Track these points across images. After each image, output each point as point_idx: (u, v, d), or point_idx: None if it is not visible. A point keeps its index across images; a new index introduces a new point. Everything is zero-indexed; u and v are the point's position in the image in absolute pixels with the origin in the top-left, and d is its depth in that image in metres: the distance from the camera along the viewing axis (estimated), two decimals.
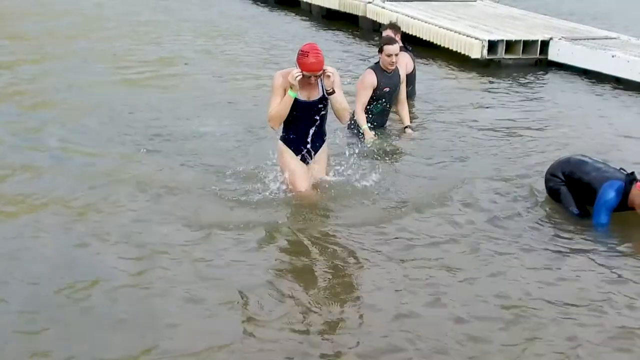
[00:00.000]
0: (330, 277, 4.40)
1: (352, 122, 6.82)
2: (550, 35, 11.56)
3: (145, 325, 3.77)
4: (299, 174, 5.48)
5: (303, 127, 5.45)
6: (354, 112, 6.76)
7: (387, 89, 7.02)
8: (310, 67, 5.14)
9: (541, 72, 10.98)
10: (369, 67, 7.23)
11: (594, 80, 10.39)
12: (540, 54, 11.43)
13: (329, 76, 5.21)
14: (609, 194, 5.04)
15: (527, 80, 10.38)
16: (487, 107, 8.76)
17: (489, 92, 9.70)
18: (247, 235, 4.91)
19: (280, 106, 5.28)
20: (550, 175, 5.50)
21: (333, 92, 5.27)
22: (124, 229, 4.97)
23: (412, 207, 5.45)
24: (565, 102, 9.16)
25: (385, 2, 14.73)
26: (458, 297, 4.12)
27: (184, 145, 6.81)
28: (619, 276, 4.44)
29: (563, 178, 5.38)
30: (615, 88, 9.98)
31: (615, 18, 17.07)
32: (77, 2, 16.23)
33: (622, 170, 5.23)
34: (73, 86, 8.96)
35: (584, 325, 3.89)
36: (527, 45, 11.41)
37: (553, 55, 11.30)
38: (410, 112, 7.60)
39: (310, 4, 17.87)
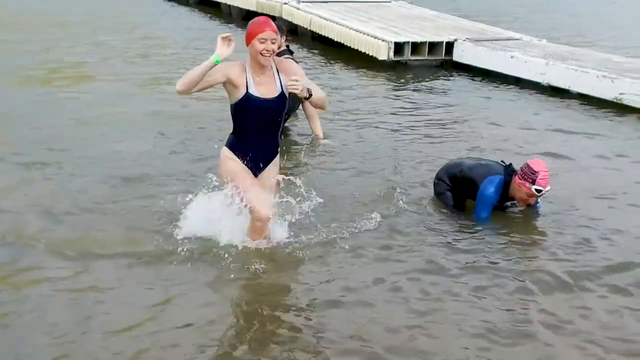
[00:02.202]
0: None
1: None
2: (455, 37, 11.86)
3: None
4: (259, 193, 4.53)
5: (255, 132, 4.52)
6: None
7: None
8: (262, 26, 4.26)
9: (446, 73, 11.26)
10: None
11: (495, 81, 10.72)
12: (445, 55, 11.72)
13: (296, 85, 4.25)
14: (488, 190, 5.23)
15: (431, 82, 10.63)
16: (391, 108, 8.91)
17: (395, 93, 9.90)
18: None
19: (196, 68, 4.24)
20: (438, 180, 5.66)
21: (310, 95, 4.34)
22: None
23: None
24: (467, 102, 9.40)
25: (300, 3, 14.87)
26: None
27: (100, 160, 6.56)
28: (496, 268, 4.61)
29: (449, 182, 5.54)
30: (515, 88, 10.31)
31: (535, 19, 17.72)
32: None
33: (502, 163, 5.43)
34: None
35: (461, 314, 4.04)
36: (433, 46, 11.69)
37: (457, 56, 11.61)
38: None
39: (229, 6, 17.99)
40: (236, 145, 4.56)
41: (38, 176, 6.06)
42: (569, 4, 21.99)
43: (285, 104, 4.54)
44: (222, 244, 4.67)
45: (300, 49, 12.97)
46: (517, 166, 5.35)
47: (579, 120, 8.60)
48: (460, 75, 11.20)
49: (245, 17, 17.09)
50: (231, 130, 4.64)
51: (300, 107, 7.37)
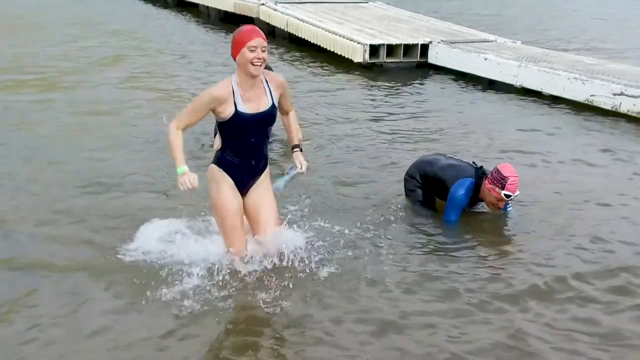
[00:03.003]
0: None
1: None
2: (430, 39, 11.94)
3: None
4: (239, 226, 4.44)
5: (248, 147, 4.34)
6: None
7: None
8: (250, 33, 4.10)
9: (421, 75, 11.33)
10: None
11: (470, 83, 10.82)
12: (421, 57, 11.80)
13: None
14: (459, 192, 5.29)
15: (406, 84, 10.69)
16: (366, 111, 8.97)
17: (370, 96, 9.96)
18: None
19: (175, 148, 4.20)
20: (409, 177, 5.69)
21: (300, 149, 4.54)
22: None
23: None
24: (441, 104, 9.48)
25: (277, 5, 14.89)
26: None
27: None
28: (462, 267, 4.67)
29: (419, 179, 5.58)
30: (489, 89, 10.41)
31: (516, 22, 17.87)
32: None
33: (473, 164, 5.49)
34: None
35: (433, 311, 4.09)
36: (408, 48, 11.77)
37: (432, 58, 11.70)
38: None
39: (207, 7, 17.99)
40: (225, 162, 4.37)
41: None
42: (556, 6, 22.21)
43: (276, 114, 4.37)
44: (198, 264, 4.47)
45: (277, 50, 13.02)
46: (489, 167, 5.43)
47: (551, 122, 8.69)
48: (435, 77, 11.29)
49: (223, 18, 17.16)
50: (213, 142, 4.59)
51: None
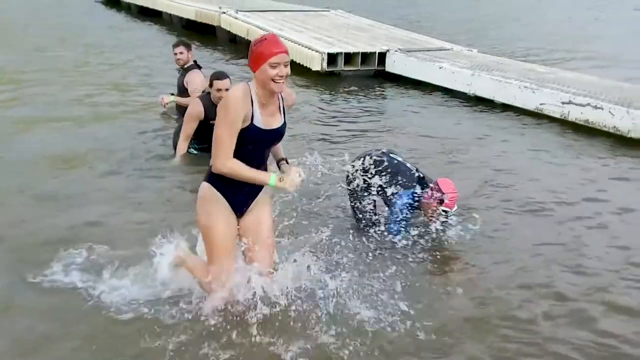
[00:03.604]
0: None
1: None
2: (388, 47, 12.13)
3: None
4: (228, 254, 4.02)
5: (250, 164, 3.88)
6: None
7: (213, 122, 6.88)
8: (272, 47, 3.71)
9: (378, 83, 11.51)
10: (198, 97, 7.09)
11: (426, 91, 11.01)
12: (378, 65, 11.97)
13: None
14: (401, 202, 5.35)
15: (363, 92, 10.84)
16: (321, 120, 9.08)
17: (326, 103, 10.09)
18: None
19: (245, 170, 3.82)
20: (352, 178, 5.48)
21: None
22: None
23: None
24: (396, 112, 9.63)
25: (239, 13, 14.99)
26: None
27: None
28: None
29: (363, 182, 5.39)
30: (444, 98, 10.61)
31: (483, 30, 18.17)
32: None
33: (418, 173, 5.52)
34: None
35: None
36: (366, 57, 11.93)
37: (390, 66, 11.87)
38: None
39: (170, 15, 18.07)
40: (220, 180, 3.92)
41: None
42: (524, 12, 22.58)
43: (285, 131, 4.05)
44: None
45: (239, 59, 13.10)
46: (434, 174, 5.54)
47: (502, 129, 8.89)
48: (392, 85, 11.47)
49: (185, 25, 17.21)
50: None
51: None
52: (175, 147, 7.11)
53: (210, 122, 6.67)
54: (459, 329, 4.19)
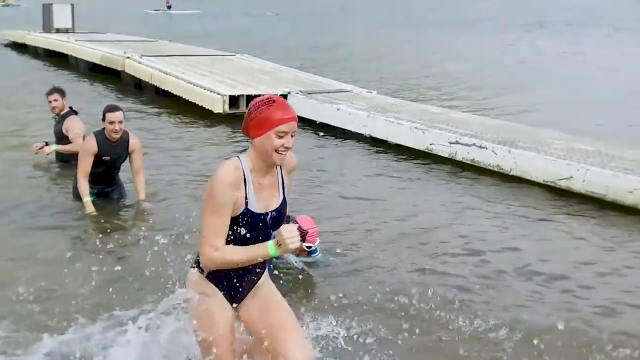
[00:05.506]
0: None
1: None
2: (290, 89, 12.42)
3: None
4: (228, 350, 3.39)
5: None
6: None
7: (107, 158, 6.81)
8: (282, 113, 3.16)
9: None
10: (92, 132, 6.93)
11: (326, 132, 11.28)
12: None
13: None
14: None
15: None
16: (224, 159, 9.17)
17: (228, 144, 10.26)
18: None
19: (247, 252, 3.19)
20: None
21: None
22: None
23: None
24: (294, 152, 9.82)
25: (142, 58, 15.04)
26: None
27: None
28: None
29: None
30: (341, 138, 10.92)
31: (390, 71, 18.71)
32: None
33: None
34: None
35: None
36: None
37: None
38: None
39: (76, 58, 17.96)
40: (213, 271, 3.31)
41: None
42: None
43: (286, 211, 3.40)
44: None
45: (143, 103, 13.14)
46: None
47: (392, 169, 9.21)
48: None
49: (92, 68, 17.13)
50: None
51: (128, 159, 7.08)
52: (75, 195, 6.95)
53: (103, 157, 6.75)
54: None
